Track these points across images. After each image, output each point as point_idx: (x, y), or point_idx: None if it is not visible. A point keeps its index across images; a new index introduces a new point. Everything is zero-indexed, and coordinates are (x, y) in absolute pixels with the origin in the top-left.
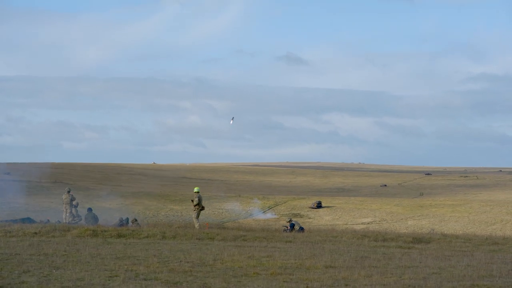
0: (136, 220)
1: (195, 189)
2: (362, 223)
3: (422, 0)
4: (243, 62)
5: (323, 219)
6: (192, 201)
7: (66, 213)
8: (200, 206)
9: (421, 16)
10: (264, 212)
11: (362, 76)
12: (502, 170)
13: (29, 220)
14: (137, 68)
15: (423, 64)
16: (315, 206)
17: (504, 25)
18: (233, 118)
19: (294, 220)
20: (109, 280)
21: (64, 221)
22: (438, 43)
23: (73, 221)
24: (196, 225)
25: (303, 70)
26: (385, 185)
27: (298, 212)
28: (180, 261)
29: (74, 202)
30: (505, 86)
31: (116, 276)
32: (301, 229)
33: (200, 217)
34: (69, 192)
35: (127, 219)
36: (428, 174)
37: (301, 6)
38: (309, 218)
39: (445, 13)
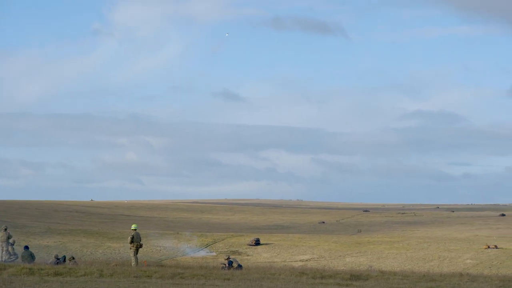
0: (73, 258)
1: (133, 227)
2: (301, 260)
3: (358, 37)
4: (180, 98)
5: (261, 256)
6: (131, 238)
7: (2, 251)
8: (137, 244)
9: (357, 53)
10: (202, 249)
11: (299, 113)
12: (439, 207)
13: None
14: (74, 104)
15: (359, 101)
16: (253, 243)
17: (438, 62)
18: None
19: (232, 257)
20: None
21: (0, 259)
22: (374, 80)
23: (9, 260)
24: (133, 263)
25: (240, 107)
26: (323, 222)
27: (237, 249)
28: None
29: (10, 240)
30: (440, 123)
31: None
32: (239, 266)
33: (138, 254)
34: (5, 230)
35: (64, 257)
36: (366, 211)
37: (238, 42)
38: (248, 255)
39: (381, 50)
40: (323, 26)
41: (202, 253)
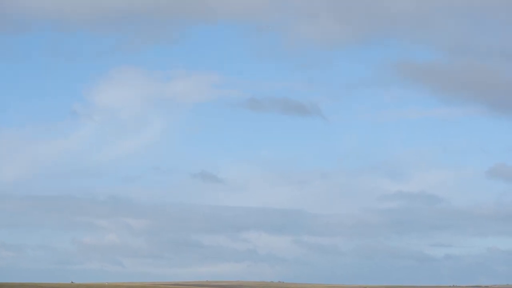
0: None
1: None
2: None
3: (337, 118)
4: (160, 179)
5: None
6: None
7: None
8: None
9: (337, 135)
10: None
11: (279, 194)
12: None
13: None
14: (54, 186)
15: (340, 182)
16: None
17: (418, 144)
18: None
19: None
20: None
21: None
22: (354, 161)
23: None
24: None
25: (219, 188)
26: None
27: None
28: None
29: None
30: (421, 204)
31: None
32: None
33: None
34: None
35: None
36: None
37: (218, 125)
38: None
39: (361, 132)
40: (300, 107)
41: None
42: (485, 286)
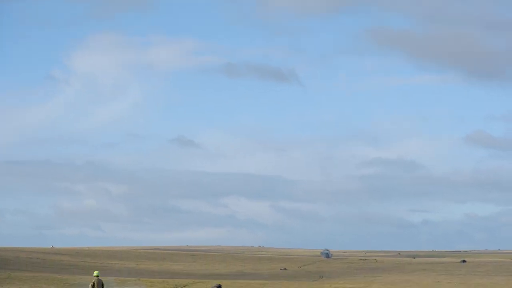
0: None
1: (95, 273)
2: None
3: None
4: (138, 145)
5: None
6: (92, 285)
7: None
8: None
9: (314, 101)
10: None
11: (258, 161)
12: (400, 253)
13: None
14: (32, 151)
15: (318, 150)
16: None
17: (396, 111)
18: None
19: None
20: None
21: None
22: (333, 129)
23: None
24: None
25: (197, 154)
26: (285, 269)
27: None
28: None
29: None
30: (400, 171)
31: None
32: None
33: None
34: None
35: None
36: (328, 257)
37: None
38: None
39: (339, 99)
40: (277, 74)
41: None
42: (463, 251)
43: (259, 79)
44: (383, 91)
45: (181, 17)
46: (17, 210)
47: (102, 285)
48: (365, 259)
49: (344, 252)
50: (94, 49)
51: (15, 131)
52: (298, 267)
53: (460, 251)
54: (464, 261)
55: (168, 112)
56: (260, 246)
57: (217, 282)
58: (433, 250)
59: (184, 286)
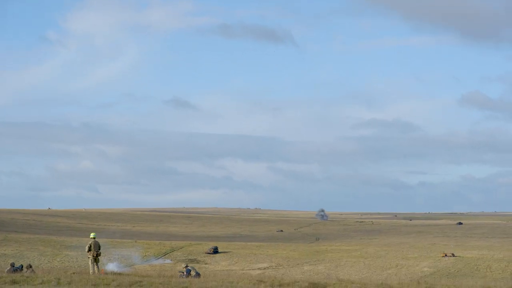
0: (30, 266)
1: (92, 235)
2: (259, 268)
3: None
4: (133, 106)
5: (219, 264)
6: (89, 247)
7: None
8: (96, 252)
9: (311, 63)
10: (160, 257)
11: (254, 122)
12: (397, 215)
13: None
14: (27, 113)
15: (314, 111)
16: (211, 251)
17: (392, 73)
18: None
19: (190, 265)
20: None
21: None
22: (329, 90)
23: None
24: (91, 271)
25: (193, 115)
26: (282, 231)
27: (195, 257)
28: None
29: None
30: (395, 133)
31: None
32: (197, 274)
33: (98, 263)
34: None
35: (21, 265)
36: (323, 218)
37: (191, 51)
38: (206, 263)
39: (335, 61)
40: (272, 35)
41: (160, 261)
42: (460, 214)
43: (255, 40)
44: (378, 52)
45: None
46: (13, 172)
47: (99, 246)
48: (362, 221)
49: (341, 214)
50: (89, 10)
51: (10, 93)
52: (295, 229)
53: (456, 213)
54: (460, 223)
55: (164, 73)
56: (256, 208)
57: (213, 244)
58: (429, 212)
59: (181, 248)
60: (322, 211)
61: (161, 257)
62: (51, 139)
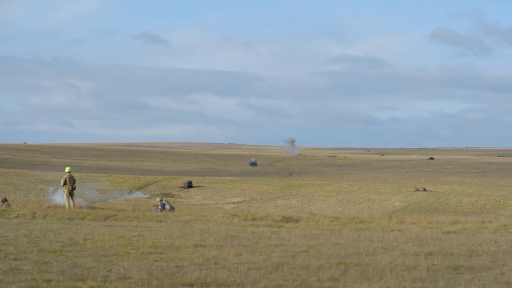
0: (6, 200)
1: (67, 169)
2: (233, 203)
3: None
4: (105, 41)
5: (194, 198)
6: (64, 181)
7: None
8: (71, 186)
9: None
10: (135, 191)
11: (225, 57)
12: (369, 150)
13: None
14: None
15: (286, 46)
16: (185, 186)
17: (362, 10)
18: None
19: (165, 199)
20: None
21: None
22: (300, 26)
23: None
24: (66, 205)
25: (164, 50)
26: (256, 165)
27: (169, 191)
28: (51, 241)
29: None
30: (366, 68)
31: None
32: (172, 208)
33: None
34: None
35: None
36: (295, 153)
37: None
38: (180, 197)
39: None
40: None
41: (135, 195)
42: (432, 149)
43: None
44: None
45: None
46: None
47: (74, 181)
48: (334, 156)
49: (314, 149)
50: None
51: None
52: (268, 164)
53: (428, 148)
54: (432, 158)
55: (134, 7)
56: (230, 143)
57: (188, 178)
58: (401, 148)
59: (155, 182)
60: (293, 142)
61: (136, 191)
62: (22, 73)
